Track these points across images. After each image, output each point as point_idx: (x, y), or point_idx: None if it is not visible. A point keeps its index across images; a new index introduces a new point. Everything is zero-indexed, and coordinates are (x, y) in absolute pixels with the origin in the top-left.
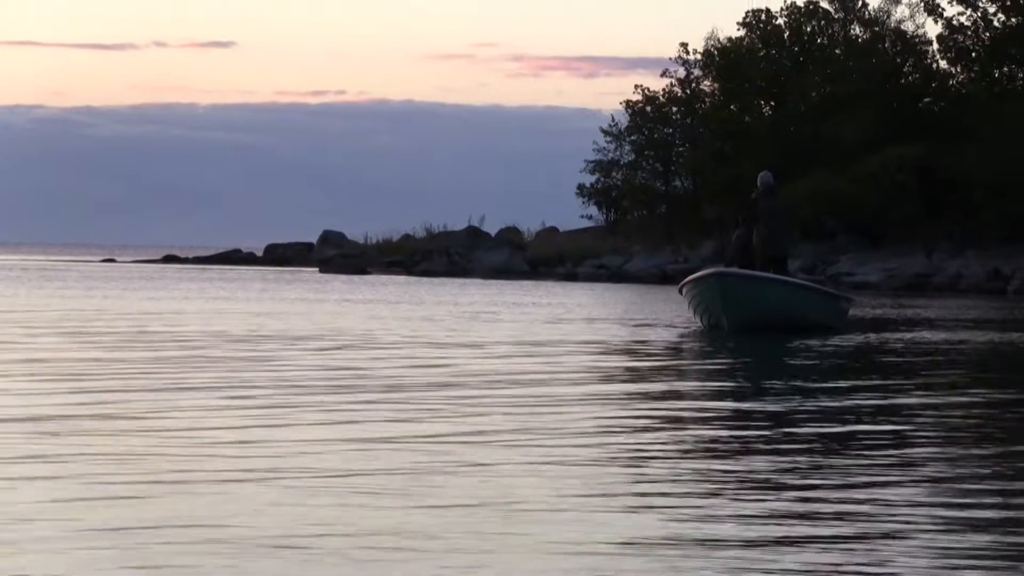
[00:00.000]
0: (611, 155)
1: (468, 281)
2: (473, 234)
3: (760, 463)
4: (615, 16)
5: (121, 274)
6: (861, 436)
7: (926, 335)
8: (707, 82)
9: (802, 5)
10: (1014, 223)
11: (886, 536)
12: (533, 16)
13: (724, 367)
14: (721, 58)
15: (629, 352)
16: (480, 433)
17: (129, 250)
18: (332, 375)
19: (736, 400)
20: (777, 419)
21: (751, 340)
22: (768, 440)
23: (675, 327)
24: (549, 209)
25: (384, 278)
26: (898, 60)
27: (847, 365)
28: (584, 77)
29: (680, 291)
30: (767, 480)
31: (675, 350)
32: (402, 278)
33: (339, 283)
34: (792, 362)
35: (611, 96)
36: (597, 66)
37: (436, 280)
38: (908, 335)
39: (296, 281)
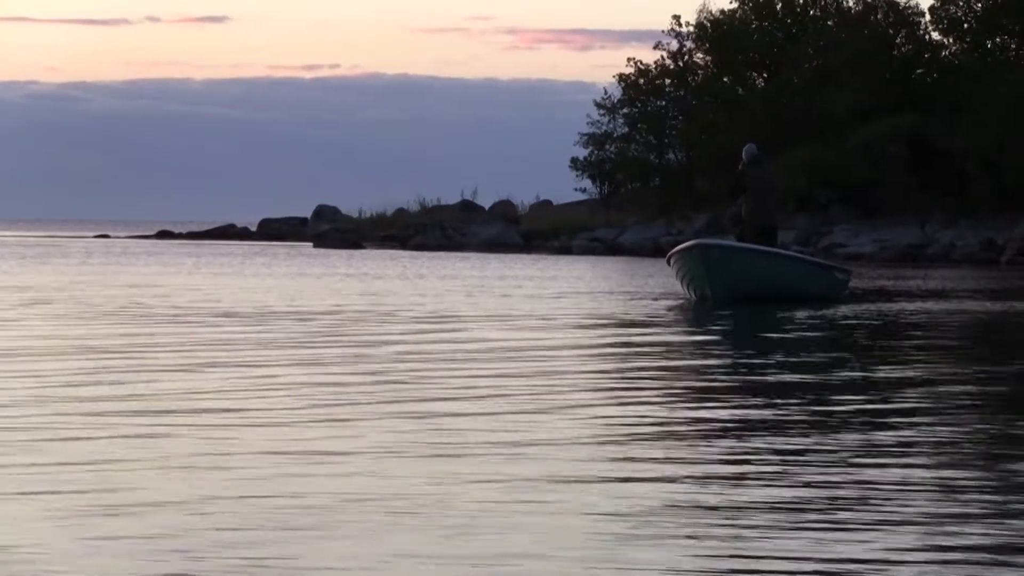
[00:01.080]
0: (604, 128)
1: (465, 255)
2: (467, 208)
3: (750, 442)
4: None
5: (140, 250)
6: (852, 414)
7: (928, 305)
8: (700, 54)
9: None
10: (1007, 193)
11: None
12: None
13: (710, 340)
14: (714, 30)
15: (620, 326)
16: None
17: (122, 225)
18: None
19: (723, 375)
20: (767, 395)
21: (738, 311)
22: (758, 418)
23: (665, 299)
24: (544, 182)
25: (381, 252)
26: (891, 31)
27: (842, 337)
28: (578, 50)
29: (668, 262)
30: (757, 460)
31: (663, 323)
32: (397, 252)
33: (359, 258)
34: (780, 335)
35: (605, 69)
36: (591, 39)
37: (432, 254)
38: (909, 306)
39: (308, 256)
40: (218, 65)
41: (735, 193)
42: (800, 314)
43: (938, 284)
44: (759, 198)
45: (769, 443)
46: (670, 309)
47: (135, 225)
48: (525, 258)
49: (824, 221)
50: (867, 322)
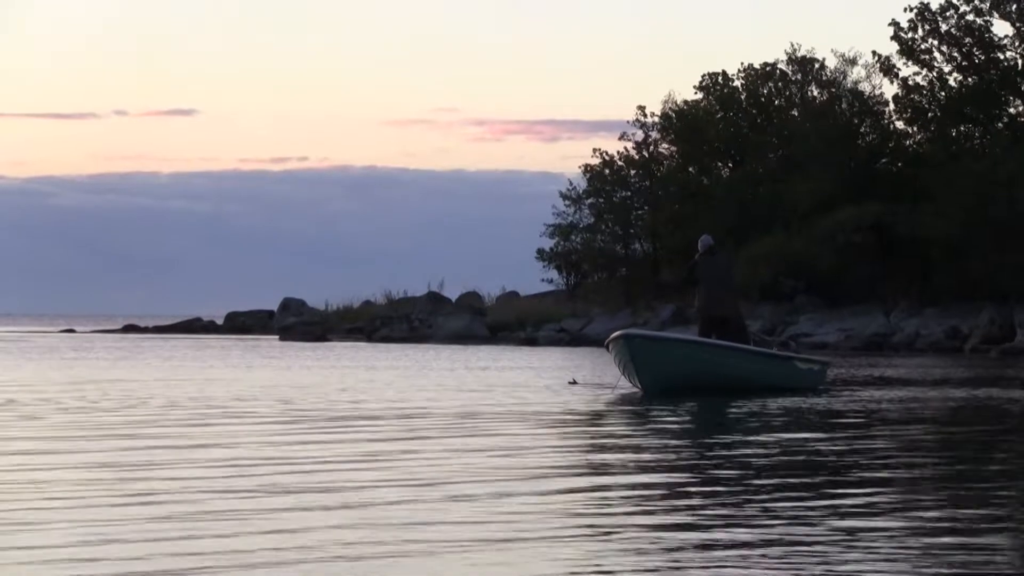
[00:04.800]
0: (570, 219)
1: (431, 347)
2: (434, 299)
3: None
4: (576, 79)
5: (128, 344)
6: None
7: (894, 394)
8: (665, 145)
9: (759, 67)
10: (971, 282)
11: None
12: (494, 80)
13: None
14: (679, 120)
15: (562, 419)
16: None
17: (88, 319)
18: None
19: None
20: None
21: (676, 399)
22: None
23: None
24: (511, 273)
25: (347, 345)
26: (855, 121)
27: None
28: (546, 141)
29: (607, 348)
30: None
31: (599, 415)
32: (364, 345)
33: (338, 351)
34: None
35: (573, 160)
36: (559, 129)
37: (400, 346)
38: (878, 394)
39: (298, 350)
40: (186, 158)
41: (688, 283)
42: (757, 406)
43: (907, 373)
44: (710, 288)
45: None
46: (608, 401)
47: (101, 319)
48: (494, 350)
49: (789, 310)
50: (813, 413)
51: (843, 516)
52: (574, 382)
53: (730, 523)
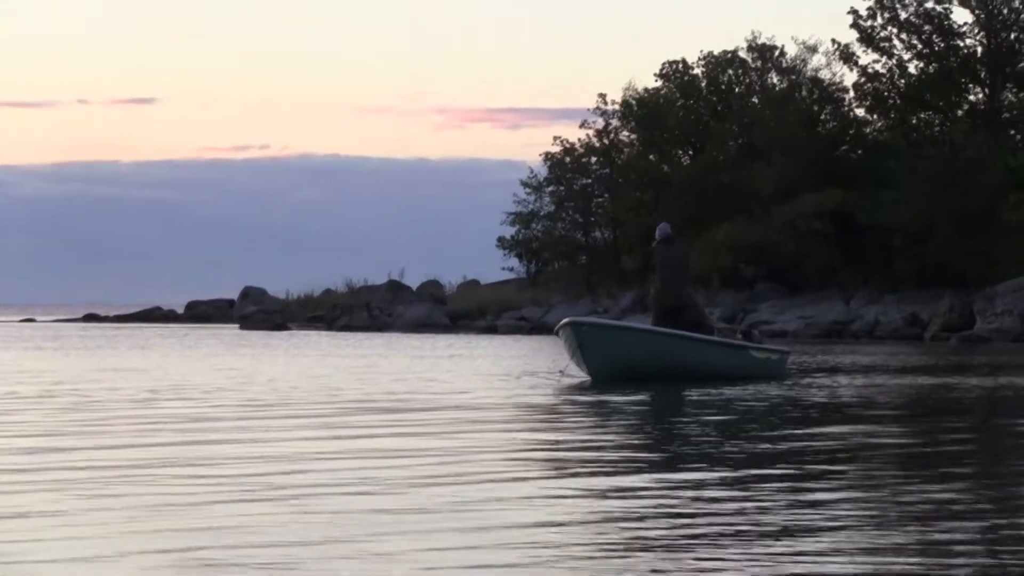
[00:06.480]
0: (531, 207)
1: (392, 336)
2: (394, 288)
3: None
4: (538, 67)
5: (96, 335)
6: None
7: (858, 381)
8: (625, 132)
9: (719, 55)
10: (931, 269)
11: None
12: (456, 68)
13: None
14: (639, 108)
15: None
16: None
17: (49, 309)
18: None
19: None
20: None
21: (627, 388)
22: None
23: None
24: (472, 261)
25: (306, 334)
26: (815, 108)
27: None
28: (508, 128)
29: (557, 334)
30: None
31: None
32: (323, 333)
33: (307, 340)
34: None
35: (535, 147)
36: (521, 117)
37: (360, 335)
38: (843, 381)
39: (271, 340)
40: (148, 147)
41: (647, 271)
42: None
43: (869, 361)
44: (665, 276)
45: None
46: (558, 390)
47: (61, 308)
48: (455, 338)
49: (750, 298)
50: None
51: (812, 505)
52: (562, 372)
53: (696, 518)
